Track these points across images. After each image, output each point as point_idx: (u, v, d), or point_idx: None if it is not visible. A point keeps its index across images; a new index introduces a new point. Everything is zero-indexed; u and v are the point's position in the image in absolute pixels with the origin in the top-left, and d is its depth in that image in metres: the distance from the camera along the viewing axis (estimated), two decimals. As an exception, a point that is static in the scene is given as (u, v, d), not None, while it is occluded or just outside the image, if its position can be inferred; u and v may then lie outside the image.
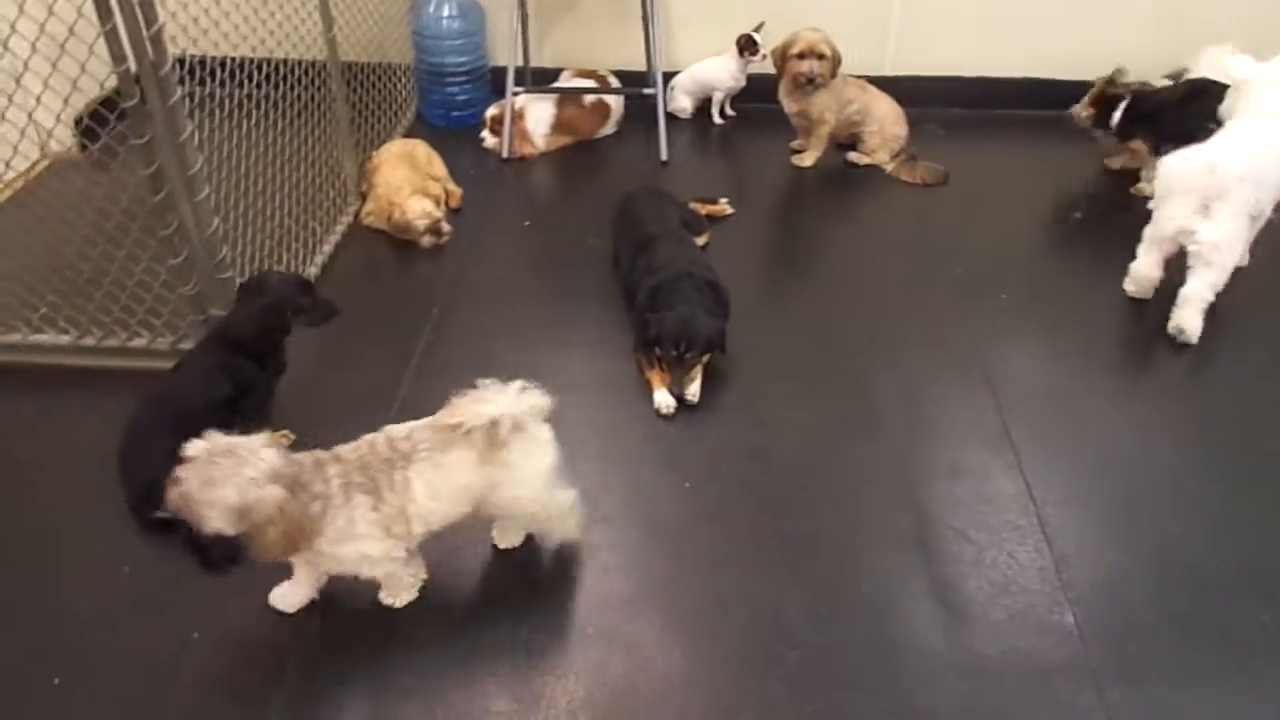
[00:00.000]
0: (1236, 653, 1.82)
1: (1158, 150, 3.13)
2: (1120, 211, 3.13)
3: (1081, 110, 3.29)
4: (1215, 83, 2.99)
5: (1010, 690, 1.76)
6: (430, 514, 1.75)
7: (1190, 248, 2.57)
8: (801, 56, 3.22)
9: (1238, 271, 2.72)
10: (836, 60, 3.24)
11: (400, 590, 1.88)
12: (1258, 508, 2.12)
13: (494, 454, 1.74)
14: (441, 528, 1.80)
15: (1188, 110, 3.03)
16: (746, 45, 3.49)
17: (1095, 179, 3.38)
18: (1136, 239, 2.82)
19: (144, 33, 1.96)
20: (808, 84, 3.24)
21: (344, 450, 1.75)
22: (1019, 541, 2.03)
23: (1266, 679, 1.77)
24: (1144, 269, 2.71)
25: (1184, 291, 2.59)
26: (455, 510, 1.79)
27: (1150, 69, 3.31)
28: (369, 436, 1.78)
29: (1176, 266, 2.66)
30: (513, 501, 1.82)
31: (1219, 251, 2.53)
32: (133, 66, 2.00)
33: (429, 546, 1.87)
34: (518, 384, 1.77)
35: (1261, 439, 2.29)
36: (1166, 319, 2.64)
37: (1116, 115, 3.19)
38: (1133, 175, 3.30)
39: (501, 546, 2.01)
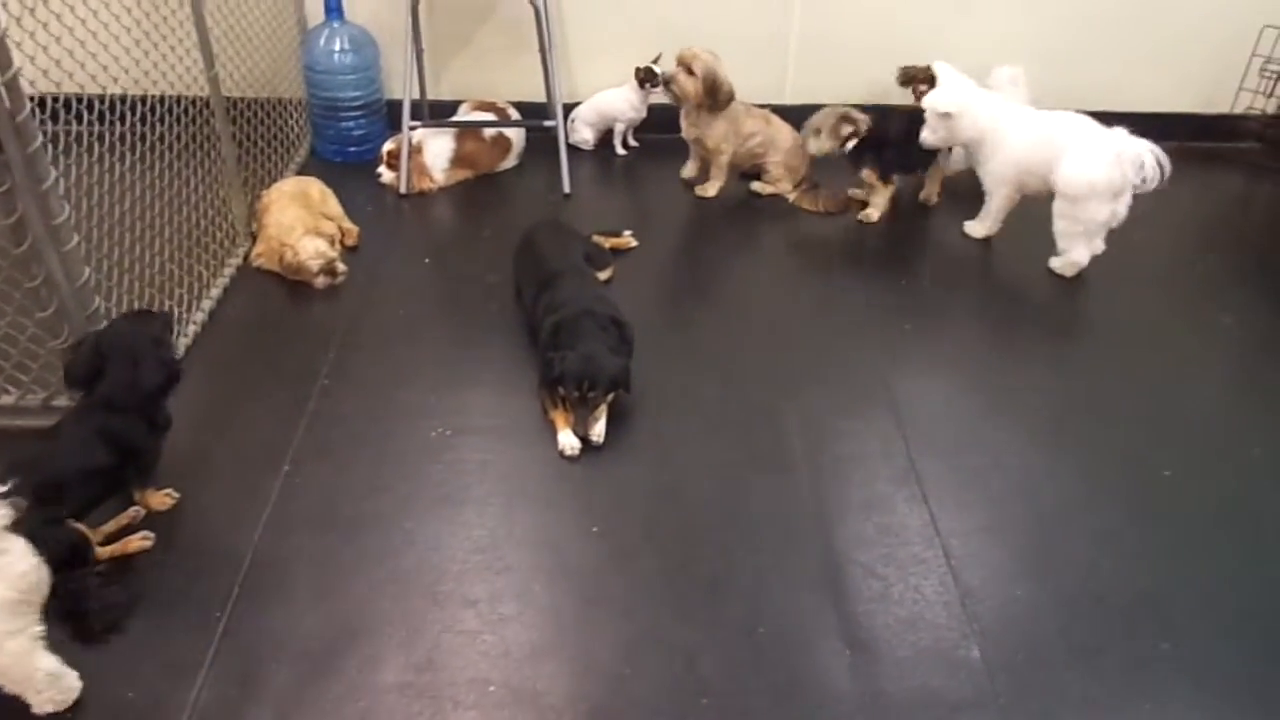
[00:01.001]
0: (1140, 682, 1.83)
1: (885, 178, 3.29)
2: (1019, 234, 3.19)
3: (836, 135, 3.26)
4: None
5: (919, 729, 1.75)
6: None
7: (1113, 224, 2.91)
8: (677, 65, 3.24)
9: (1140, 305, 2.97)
10: (718, 86, 3.22)
11: None
12: (1155, 535, 2.15)
13: None
14: None
15: (913, 139, 3.19)
16: (646, 77, 3.48)
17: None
18: (1033, 259, 3.00)
19: (-3, 78, 1.85)
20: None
21: None
22: (924, 575, 2.02)
23: (1169, 707, 1.79)
24: (1084, 258, 2.97)
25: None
26: None
27: (1041, 95, 3.38)
28: None
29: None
30: None
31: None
32: (-14, 113, 1.89)
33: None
34: None
35: (1158, 465, 2.33)
36: (1066, 345, 2.76)
37: (851, 143, 3.27)
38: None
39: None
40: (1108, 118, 3.45)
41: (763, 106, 3.47)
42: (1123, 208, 2.86)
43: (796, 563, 2.06)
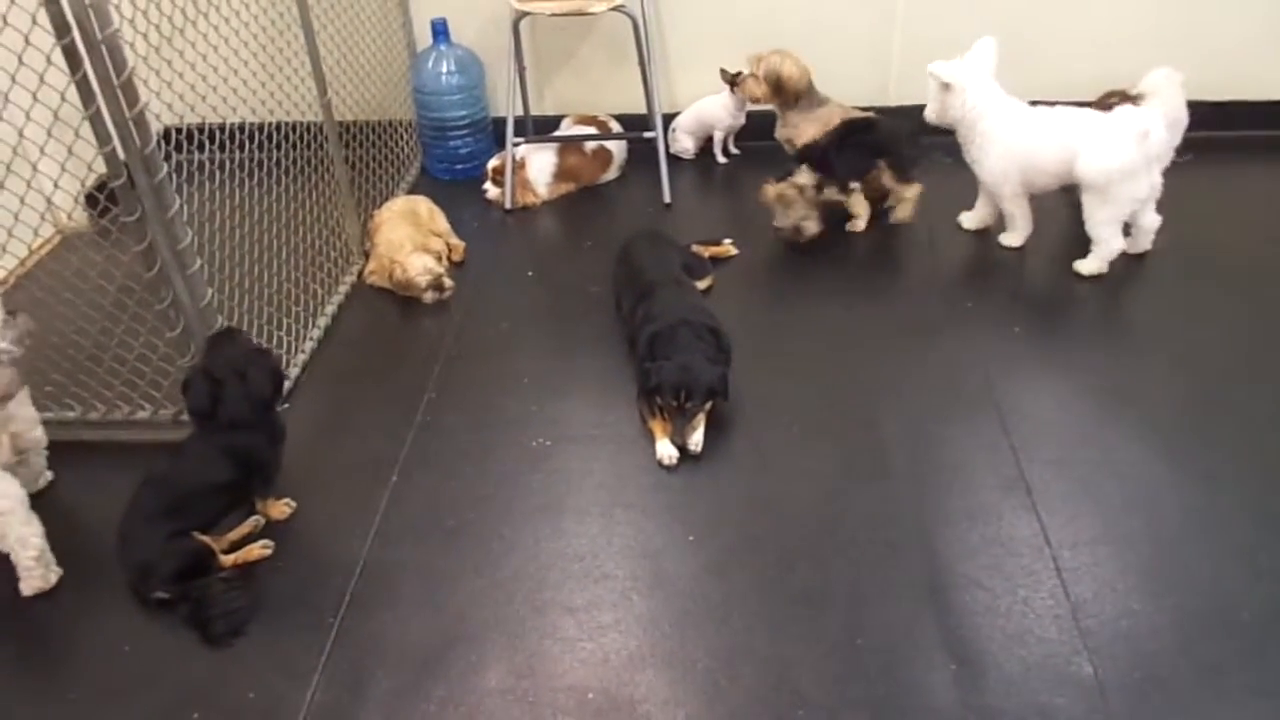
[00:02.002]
0: (1269, 703, 1.72)
1: (844, 188, 3.15)
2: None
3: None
4: (871, 120, 3.20)
5: (1027, 748, 1.69)
6: None
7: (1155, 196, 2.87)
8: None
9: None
10: (783, 84, 3.25)
11: None
12: (1288, 543, 2.02)
13: None
14: None
15: (848, 147, 3.12)
16: (730, 82, 3.46)
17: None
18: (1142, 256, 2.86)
19: (126, 114, 1.98)
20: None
21: None
22: (1033, 588, 1.95)
23: (1300, 729, 1.68)
24: (1121, 244, 2.87)
25: (1146, 225, 2.90)
26: None
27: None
28: None
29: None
30: None
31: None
32: (118, 147, 2.02)
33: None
34: None
35: (1288, 468, 2.20)
36: (1185, 344, 2.61)
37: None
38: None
39: None
40: (1235, 107, 3.28)
41: (866, 109, 3.42)
42: (1158, 176, 2.80)
43: (898, 573, 2.02)
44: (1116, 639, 1.84)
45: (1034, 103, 2.94)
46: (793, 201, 3.08)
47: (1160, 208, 2.90)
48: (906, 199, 3.19)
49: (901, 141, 3.16)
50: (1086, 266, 2.88)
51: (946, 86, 2.92)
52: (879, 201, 3.26)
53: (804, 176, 3.09)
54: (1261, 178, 3.40)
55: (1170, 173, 2.97)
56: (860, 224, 3.23)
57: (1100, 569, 1.99)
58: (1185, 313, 2.76)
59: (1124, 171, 2.71)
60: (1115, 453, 2.28)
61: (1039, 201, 3.01)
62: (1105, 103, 3.15)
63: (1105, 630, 1.86)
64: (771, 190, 3.10)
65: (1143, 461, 2.25)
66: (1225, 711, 1.71)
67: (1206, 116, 3.13)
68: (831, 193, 3.15)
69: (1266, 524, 2.07)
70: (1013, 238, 3.08)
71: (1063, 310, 2.83)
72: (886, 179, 3.19)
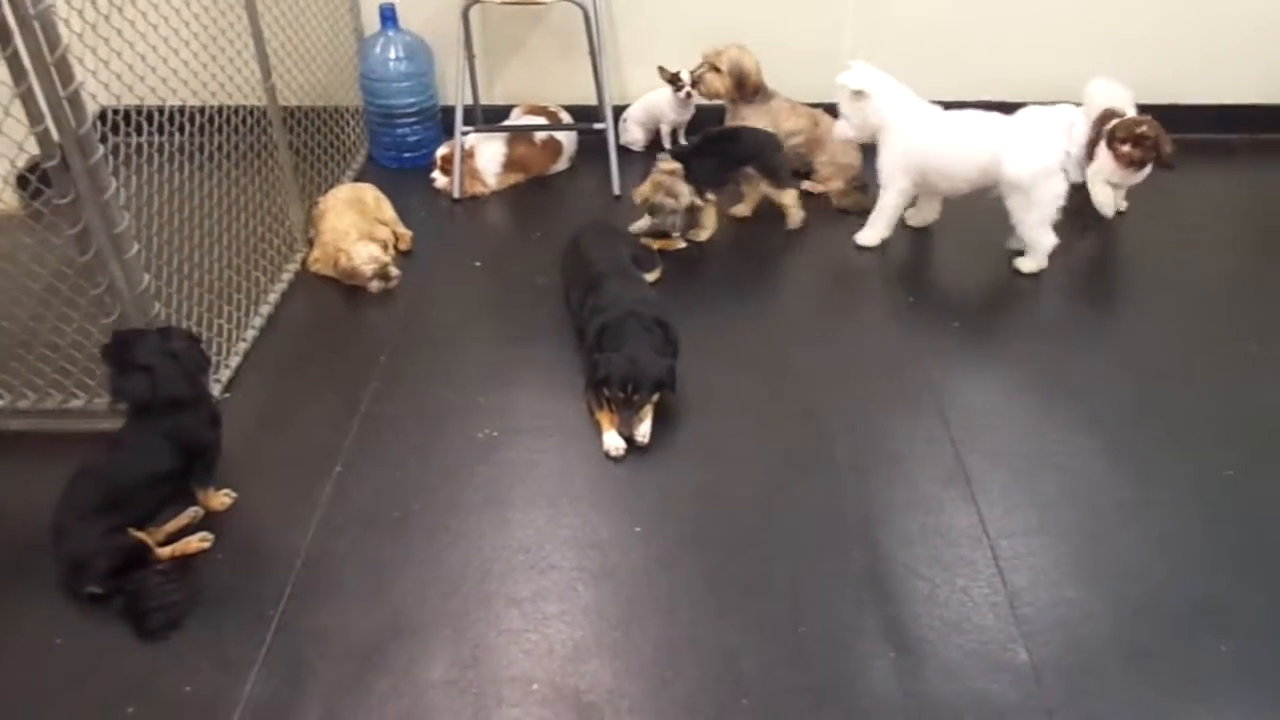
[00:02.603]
0: (1196, 687, 1.78)
1: (701, 196, 3.11)
2: (1073, 232, 3.12)
3: None
4: (734, 130, 3.22)
5: (965, 733, 1.72)
6: None
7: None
8: (705, 65, 3.35)
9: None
10: (745, 77, 3.29)
11: None
12: (1215, 537, 2.09)
13: None
14: None
15: (707, 155, 3.12)
16: (670, 79, 3.47)
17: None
18: (1089, 256, 2.95)
19: (60, 92, 1.93)
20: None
21: None
22: (971, 576, 1.99)
23: (1226, 713, 1.74)
24: (1053, 239, 2.91)
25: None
26: None
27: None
28: None
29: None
30: None
31: None
32: (51, 127, 1.96)
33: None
34: None
35: (1219, 465, 2.26)
36: (1123, 342, 2.69)
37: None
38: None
39: None
40: (1184, 110, 3.34)
41: (817, 105, 3.44)
42: (1071, 173, 2.89)
43: (840, 563, 2.04)
44: (1052, 626, 1.89)
45: (982, 105, 2.99)
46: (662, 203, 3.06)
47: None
48: (787, 204, 3.21)
49: (765, 149, 3.16)
50: (1026, 265, 2.94)
51: (860, 94, 2.92)
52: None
53: (666, 164, 3.05)
54: (1204, 182, 3.49)
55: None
56: (704, 234, 3.18)
57: (1036, 558, 2.04)
58: (1125, 312, 2.85)
59: (1049, 171, 2.77)
60: (1052, 446, 2.33)
61: (969, 198, 3.06)
62: (1107, 120, 3.17)
63: (1041, 618, 1.91)
64: (637, 195, 3.07)
65: (1079, 454, 2.30)
66: (1155, 695, 1.77)
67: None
68: (693, 199, 3.10)
69: (1196, 518, 2.14)
70: (870, 235, 3.09)
71: (1002, 306, 2.89)
72: (764, 187, 3.19)
